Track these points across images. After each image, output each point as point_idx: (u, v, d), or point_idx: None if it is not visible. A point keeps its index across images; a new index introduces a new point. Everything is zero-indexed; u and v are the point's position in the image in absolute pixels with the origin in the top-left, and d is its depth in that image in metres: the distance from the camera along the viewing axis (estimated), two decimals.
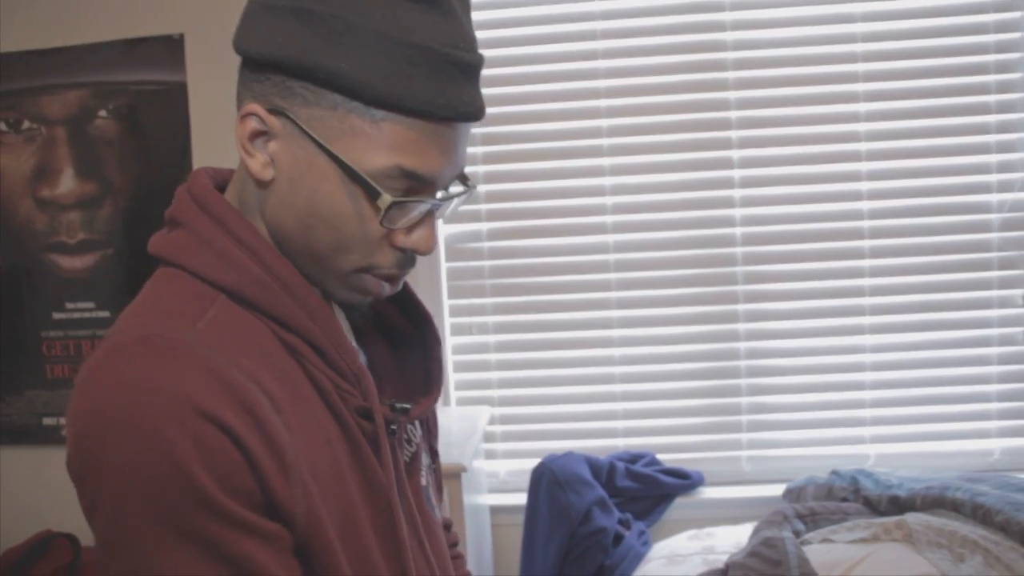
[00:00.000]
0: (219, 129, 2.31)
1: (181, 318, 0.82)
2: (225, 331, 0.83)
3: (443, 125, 0.84)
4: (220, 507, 0.75)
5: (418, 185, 0.85)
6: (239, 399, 0.78)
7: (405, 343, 1.03)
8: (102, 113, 2.45)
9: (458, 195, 0.93)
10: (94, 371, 0.78)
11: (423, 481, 1.00)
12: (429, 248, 0.89)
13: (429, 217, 0.88)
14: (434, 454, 1.10)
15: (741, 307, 2.35)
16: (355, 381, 0.89)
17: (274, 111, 0.84)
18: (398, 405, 0.94)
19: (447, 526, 1.17)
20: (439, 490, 1.07)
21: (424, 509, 0.98)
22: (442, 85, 0.83)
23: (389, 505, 0.90)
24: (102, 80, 2.44)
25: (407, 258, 0.89)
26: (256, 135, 0.85)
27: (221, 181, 0.95)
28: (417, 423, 1.04)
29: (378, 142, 0.83)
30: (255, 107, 0.84)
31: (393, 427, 0.94)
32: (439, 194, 0.89)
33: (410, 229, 0.88)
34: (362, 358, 0.96)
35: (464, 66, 0.84)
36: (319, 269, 0.89)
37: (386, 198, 0.83)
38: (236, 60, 0.88)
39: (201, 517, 0.75)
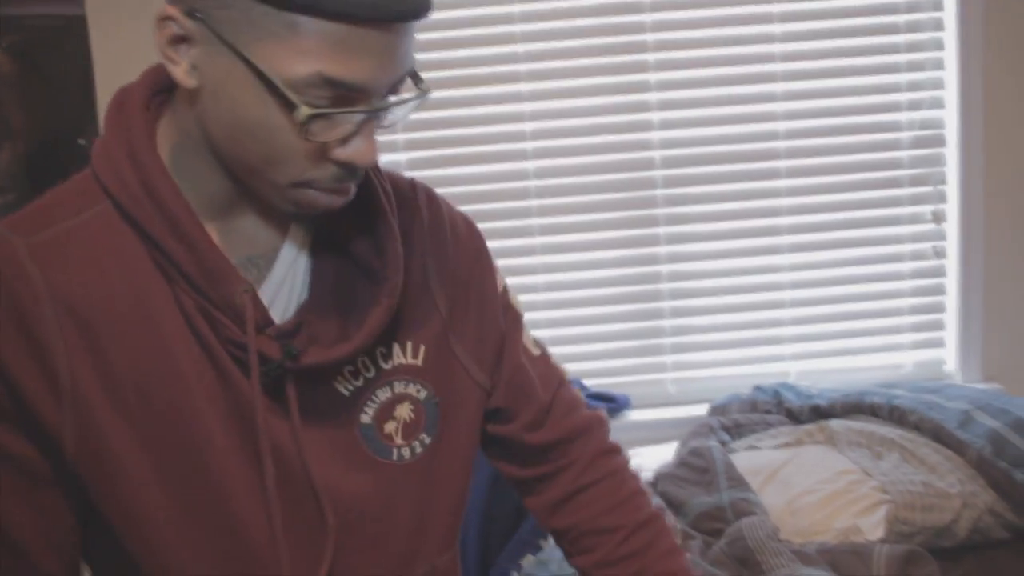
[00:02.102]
0: (124, 65, 2.22)
1: (43, 217, 0.85)
2: (79, 240, 0.84)
3: (372, 27, 0.76)
4: None
5: (350, 93, 0.78)
6: (15, 313, 0.81)
7: (363, 276, 0.94)
8: None
9: (404, 102, 0.84)
10: None
11: (365, 418, 0.94)
12: (368, 161, 0.82)
13: (367, 127, 0.81)
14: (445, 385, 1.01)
15: (662, 230, 2.37)
16: (231, 313, 0.85)
17: (191, 14, 0.77)
18: (294, 350, 0.87)
19: (612, 451, 1.14)
20: (418, 426, 0.99)
21: (353, 446, 0.93)
22: None
23: (254, 430, 0.87)
24: None
25: (347, 171, 0.83)
26: (177, 41, 0.79)
27: None
28: (414, 350, 0.98)
29: (296, 47, 0.75)
30: (172, 10, 0.78)
31: (275, 367, 0.87)
32: (391, 100, 0.82)
33: (346, 140, 0.81)
34: (303, 283, 0.92)
35: None
36: (256, 181, 0.84)
37: (303, 110, 0.76)
38: None
39: None
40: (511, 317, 1.08)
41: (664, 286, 2.39)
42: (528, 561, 1.65)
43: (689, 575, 1.09)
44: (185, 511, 0.86)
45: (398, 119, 0.86)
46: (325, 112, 0.78)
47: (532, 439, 1.09)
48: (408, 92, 0.85)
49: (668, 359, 2.42)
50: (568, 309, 2.40)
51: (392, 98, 0.84)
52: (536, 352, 1.11)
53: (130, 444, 0.83)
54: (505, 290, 1.08)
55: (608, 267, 2.39)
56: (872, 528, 1.47)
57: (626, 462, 1.14)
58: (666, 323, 2.41)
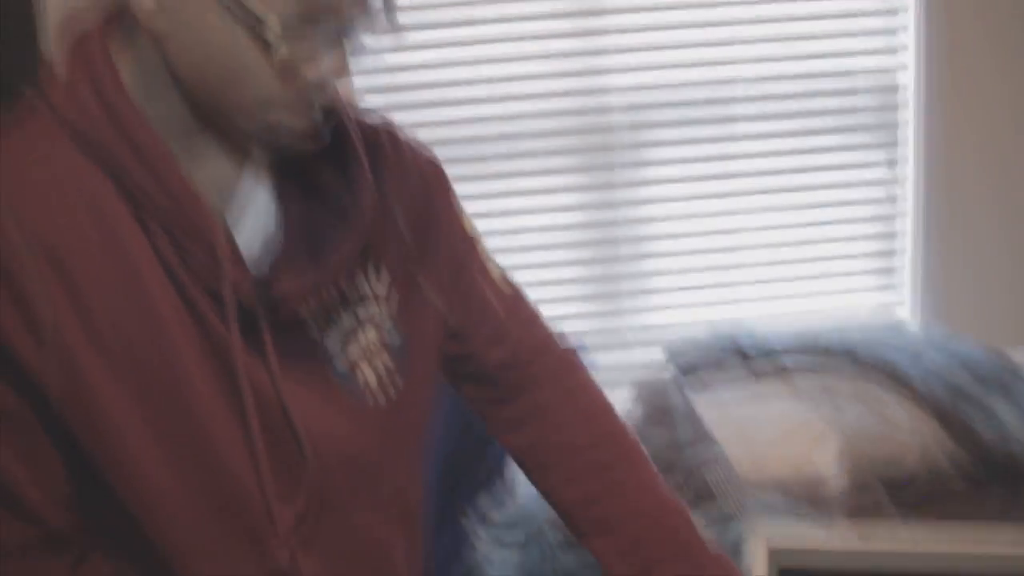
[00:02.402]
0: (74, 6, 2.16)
1: (5, 157, 0.81)
2: (43, 179, 0.81)
3: None
4: None
5: (318, 11, 0.77)
6: None
7: (332, 214, 0.94)
8: None
9: (376, 12, 0.83)
10: None
11: (338, 363, 0.95)
12: (340, 78, 0.82)
13: (338, 44, 0.81)
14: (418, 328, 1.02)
15: (620, 174, 2.35)
16: (204, 253, 0.84)
17: None
18: (268, 290, 0.87)
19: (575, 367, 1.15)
20: (392, 369, 0.99)
21: (328, 390, 0.94)
22: None
23: (232, 367, 0.86)
24: None
25: (318, 95, 0.82)
26: None
27: None
28: (386, 292, 0.98)
29: None
30: None
31: (250, 309, 0.87)
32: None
33: (316, 60, 0.80)
34: (271, 222, 0.91)
35: None
36: (224, 115, 0.82)
37: (272, 21, 0.74)
38: None
39: None
40: (470, 241, 1.09)
41: (622, 231, 2.38)
42: (487, 503, 1.66)
43: (659, 486, 1.09)
44: (170, 452, 0.85)
45: (370, 37, 0.85)
46: (294, 31, 0.76)
47: (491, 356, 1.10)
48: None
49: (625, 303, 2.43)
50: (524, 254, 2.39)
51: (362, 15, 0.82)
52: (495, 273, 1.12)
53: (112, 387, 0.82)
54: (465, 217, 1.10)
55: (566, 211, 2.38)
56: (828, 469, 1.50)
57: (590, 377, 1.15)
58: (623, 268, 2.41)
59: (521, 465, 1.16)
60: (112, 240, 0.82)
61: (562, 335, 1.19)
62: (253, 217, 0.90)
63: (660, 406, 1.68)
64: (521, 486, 1.59)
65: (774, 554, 1.11)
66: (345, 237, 0.91)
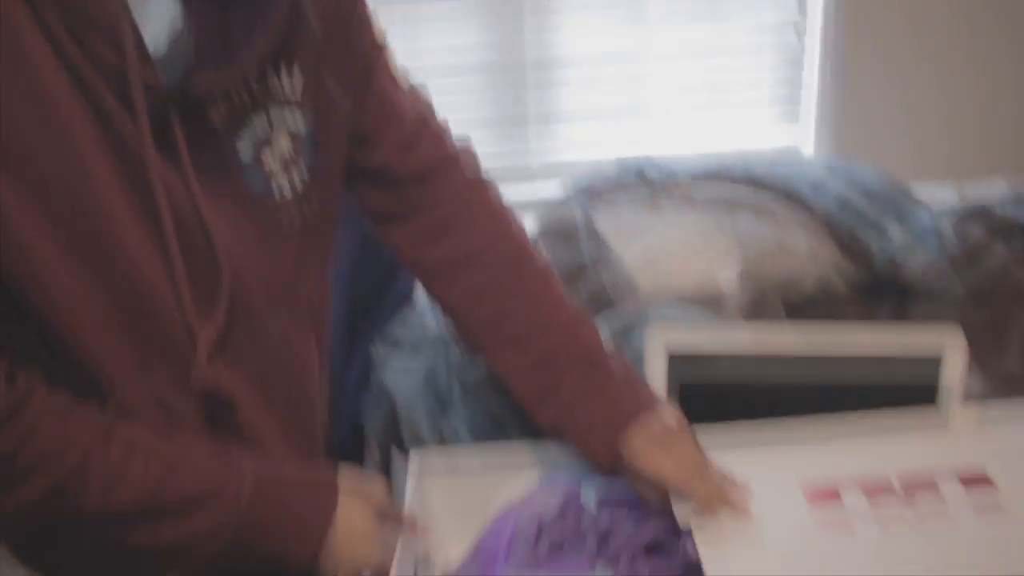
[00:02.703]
0: None
1: None
2: None
3: None
4: None
5: None
6: None
7: (246, 11, 0.88)
8: None
9: None
10: None
11: (245, 154, 0.91)
12: None
13: None
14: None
15: (528, 2, 2.30)
16: (110, 46, 0.77)
17: None
18: (183, 91, 0.83)
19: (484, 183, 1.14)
20: (297, 161, 0.97)
21: (236, 183, 0.91)
22: None
23: (145, 175, 0.82)
24: None
25: None
26: None
27: None
28: (292, 81, 0.93)
29: None
30: None
31: (159, 97, 0.82)
32: None
33: None
34: (174, 10, 0.84)
35: None
36: None
37: None
38: None
39: None
40: (378, 45, 1.05)
41: (529, 62, 2.35)
42: (393, 326, 1.66)
43: (565, 301, 1.10)
44: (83, 266, 0.81)
45: None
46: None
47: (400, 166, 1.08)
48: None
49: (531, 134, 2.41)
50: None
51: None
52: (403, 83, 1.09)
53: (17, 200, 0.76)
54: (375, 23, 1.06)
55: (472, 44, 2.33)
56: (727, 282, 1.53)
57: (498, 194, 1.14)
58: (530, 98, 2.38)
59: (426, 281, 1.15)
60: (8, 41, 0.74)
61: (472, 153, 1.18)
62: (156, 16, 0.84)
63: (562, 224, 1.69)
64: (429, 312, 1.59)
65: (672, 358, 1.14)
66: (259, 32, 0.87)
